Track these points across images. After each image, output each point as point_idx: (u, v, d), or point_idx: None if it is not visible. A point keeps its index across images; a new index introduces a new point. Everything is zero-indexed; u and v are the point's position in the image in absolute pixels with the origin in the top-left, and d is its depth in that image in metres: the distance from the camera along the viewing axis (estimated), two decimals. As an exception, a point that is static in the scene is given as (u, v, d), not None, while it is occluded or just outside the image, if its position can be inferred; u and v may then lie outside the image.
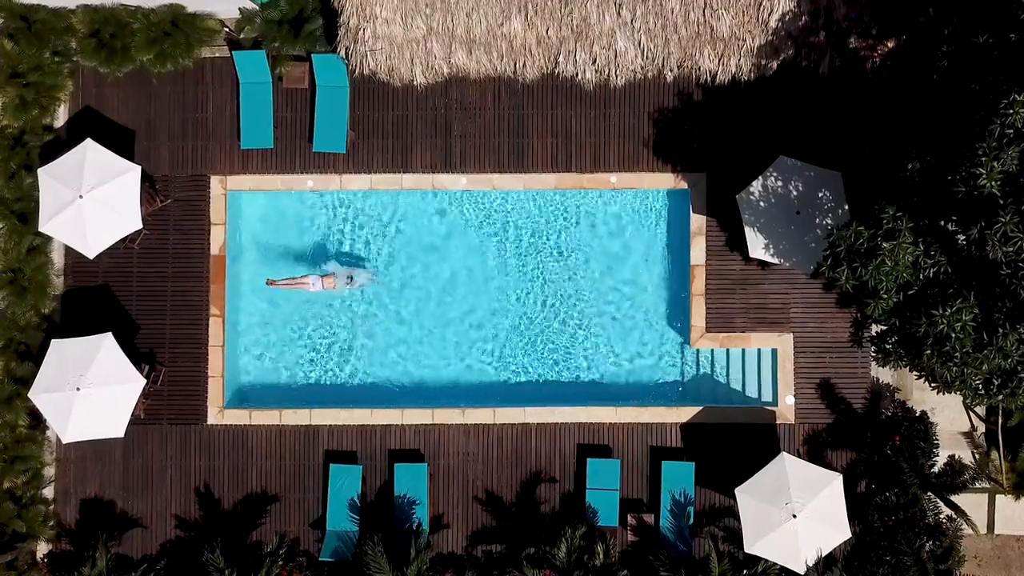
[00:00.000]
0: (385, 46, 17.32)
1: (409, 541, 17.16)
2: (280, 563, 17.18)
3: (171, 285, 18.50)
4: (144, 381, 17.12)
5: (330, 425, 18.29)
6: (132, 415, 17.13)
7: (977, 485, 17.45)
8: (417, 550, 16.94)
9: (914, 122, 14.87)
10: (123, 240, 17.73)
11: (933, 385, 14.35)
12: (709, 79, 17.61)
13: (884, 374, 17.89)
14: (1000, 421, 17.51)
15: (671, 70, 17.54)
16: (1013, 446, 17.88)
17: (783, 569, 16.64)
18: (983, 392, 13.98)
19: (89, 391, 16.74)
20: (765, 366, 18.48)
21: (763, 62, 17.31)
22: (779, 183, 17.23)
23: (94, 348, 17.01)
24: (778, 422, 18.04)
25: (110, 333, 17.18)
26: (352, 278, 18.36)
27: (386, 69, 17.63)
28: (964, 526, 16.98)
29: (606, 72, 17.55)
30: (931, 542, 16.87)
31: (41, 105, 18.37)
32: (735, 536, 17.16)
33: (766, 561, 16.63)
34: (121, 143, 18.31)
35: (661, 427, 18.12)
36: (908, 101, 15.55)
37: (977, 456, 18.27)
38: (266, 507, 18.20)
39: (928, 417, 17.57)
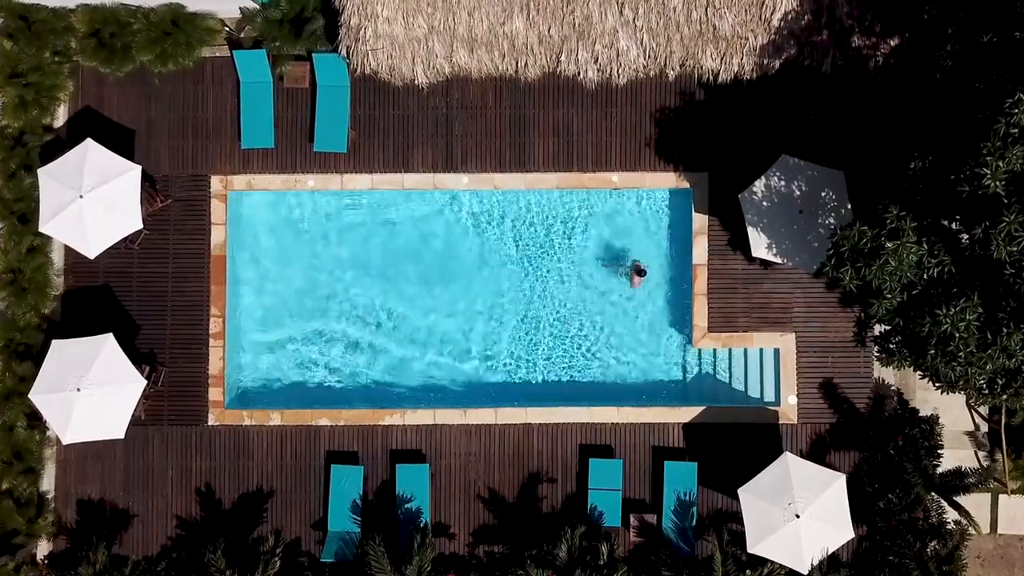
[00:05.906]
0: (386, 45, 17.27)
1: (411, 541, 17.12)
2: (278, 562, 17.11)
3: (172, 285, 18.46)
4: (145, 382, 17.07)
5: (331, 425, 18.24)
6: (133, 416, 17.08)
7: (982, 487, 17.40)
8: (419, 549, 16.89)
9: (917, 121, 14.85)
10: (123, 240, 17.69)
11: (937, 385, 14.31)
12: (711, 78, 17.58)
13: (887, 374, 17.85)
14: (1003, 420, 17.45)
15: (673, 69, 17.51)
16: (1016, 445, 17.84)
17: (790, 571, 16.57)
18: (987, 392, 13.97)
19: (90, 392, 16.68)
20: (768, 366, 18.44)
21: (765, 61, 17.27)
22: (782, 182, 17.19)
23: (95, 349, 16.96)
24: (781, 422, 18.00)
25: (111, 334, 17.12)
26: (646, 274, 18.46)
27: (387, 68, 17.59)
28: (970, 528, 16.93)
29: (608, 71, 17.52)
30: (935, 542, 16.83)
31: (41, 105, 18.33)
32: (738, 536, 17.11)
33: (772, 563, 16.54)
34: (121, 143, 18.27)
35: (663, 427, 18.07)
36: (911, 100, 15.54)
37: (982, 457, 18.24)
38: (267, 508, 18.16)
39: (938, 420, 17.53)
